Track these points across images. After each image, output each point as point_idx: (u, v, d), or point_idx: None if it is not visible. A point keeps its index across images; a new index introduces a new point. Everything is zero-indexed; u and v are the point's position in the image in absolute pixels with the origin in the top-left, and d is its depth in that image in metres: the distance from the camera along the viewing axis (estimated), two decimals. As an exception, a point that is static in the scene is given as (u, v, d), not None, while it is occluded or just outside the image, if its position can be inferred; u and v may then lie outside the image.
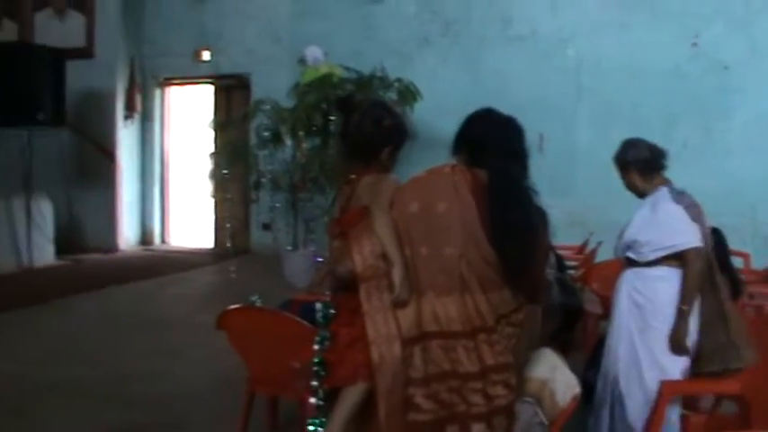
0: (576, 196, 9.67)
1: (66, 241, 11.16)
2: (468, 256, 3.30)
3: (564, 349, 3.63)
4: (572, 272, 6.51)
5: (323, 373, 3.44)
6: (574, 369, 3.73)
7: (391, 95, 9.48)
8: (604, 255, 6.64)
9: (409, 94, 9.49)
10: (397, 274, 3.29)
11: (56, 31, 11.94)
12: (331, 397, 3.40)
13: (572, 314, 3.70)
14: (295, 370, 3.78)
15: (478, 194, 3.35)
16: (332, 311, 3.50)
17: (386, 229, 3.32)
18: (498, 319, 3.34)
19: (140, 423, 5.15)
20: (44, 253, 10.65)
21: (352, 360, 3.32)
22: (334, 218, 3.64)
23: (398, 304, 3.30)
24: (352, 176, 3.55)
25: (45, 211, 10.73)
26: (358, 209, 3.44)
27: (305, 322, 3.95)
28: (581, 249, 7.92)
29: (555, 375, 3.52)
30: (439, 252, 3.32)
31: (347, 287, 3.39)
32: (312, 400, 3.45)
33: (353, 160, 3.58)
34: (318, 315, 3.53)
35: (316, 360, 3.45)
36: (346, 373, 3.34)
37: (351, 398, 3.32)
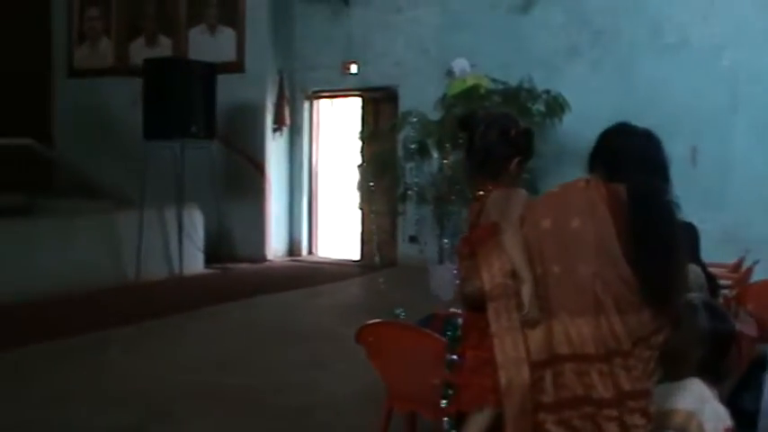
0: (730, 211, 9.24)
1: (216, 251, 11.50)
2: (603, 276, 3.17)
3: (715, 380, 3.43)
4: (726, 291, 6.21)
5: (450, 395, 3.38)
6: (725, 398, 3.54)
7: (539, 107, 9.36)
8: (761, 273, 6.32)
9: (557, 105, 9.34)
10: (526, 292, 3.20)
11: (208, 46, 12.39)
12: (460, 421, 3.34)
13: (723, 341, 3.49)
14: (434, 387, 3.75)
15: (616, 210, 3.22)
16: (458, 333, 3.44)
17: (516, 246, 3.23)
18: (636, 342, 3.18)
19: (282, 433, 5.24)
20: (194, 262, 11.05)
21: (478, 384, 3.25)
22: (463, 236, 3.56)
23: (528, 323, 3.20)
24: (481, 192, 3.47)
25: (196, 220, 11.13)
26: (487, 225, 3.35)
27: (443, 339, 3.90)
28: (736, 267, 7.54)
29: (704, 407, 3.33)
30: (572, 270, 3.21)
31: (476, 307, 3.31)
32: (445, 419, 3.40)
33: (481, 175, 3.49)
34: (448, 335, 3.49)
35: (444, 382, 3.41)
36: (472, 397, 3.27)
37: (477, 424, 3.25)
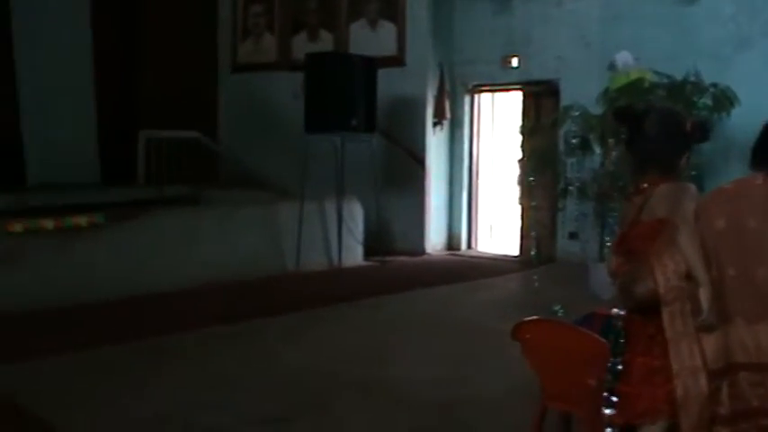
0: None
1: (375, 243, 11.63)
2: (784, 280, 2.96)
3: None
4: None
5: (616, 405, 3.23)
6: None
7: (705, 101, 9.01)
8: None
9: (725, 99, 8.95)
10: (704, 296, 3.01)
11: (369, 40, 12.53)
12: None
13: None
14: (591, 388, 3.66)
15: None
16: (621, 338, 3.30)
17: (692, 246, 3.03)
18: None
19: (431, 427, 5.25)
20: (353, 254, 11.22)
21: (650, 394, 3.11)
22: (621, 231, 3.42)
23: (705, 329, 3.03)
24: (645, 185, 3.27)
25: (355, 213, 11.30)
26: (652, 222, 3.15)
27: (602, 339, 3.81)
28: None
29: None
30: (750, 274, 3.02)
31: (643, 309, 3.14)
32: (608, 430, 3.28)
33: (648, 168, 3.28)
34: (609, 339, 3.35)
35: (607, 389, 3.28)
36: (644, 408, 3.12)
37: (650, 438, 3.12)
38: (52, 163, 12.47)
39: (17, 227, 8.59)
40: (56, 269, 8.60)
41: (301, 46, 13.25)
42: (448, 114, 12.42)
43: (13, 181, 11.76)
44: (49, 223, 8.79)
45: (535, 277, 9.83)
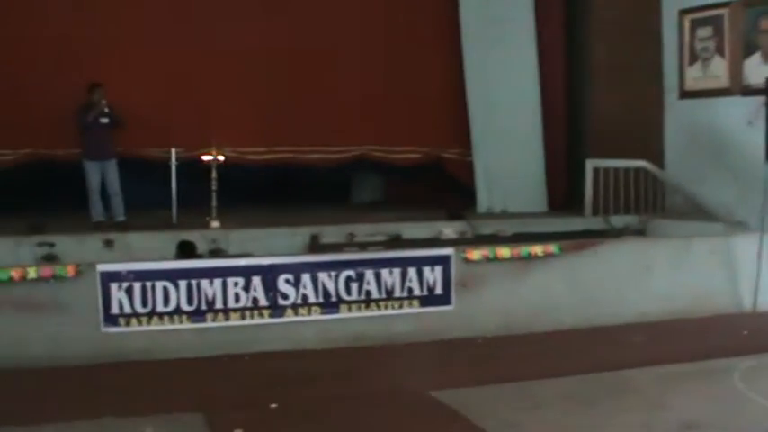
0: None
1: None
2: None
3: None
4: None
5: None
6: None
7: None
8: None
9: None
10: None
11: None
12: None
13: None
14: None
15: None
16: None
17: None
18: None
19: None
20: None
21: None
22: None
23: None
24: None
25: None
26: None
27: None
28: None
29: None
30: None
31: None
32: None
33: None
34: None
35: None
36: None
37: None
38: (500, 191, 13.12)
39: (476, 254, 9.14)
40: (512, 297, 9.10)
41: (755, 69, 12.70)
42: None
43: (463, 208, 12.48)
44: (506, 252, 9.26)
45: None
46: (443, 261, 8.97)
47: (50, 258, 9.38)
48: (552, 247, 9.37)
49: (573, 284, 9.35)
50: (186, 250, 9.42)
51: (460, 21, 13.04)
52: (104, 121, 10.77)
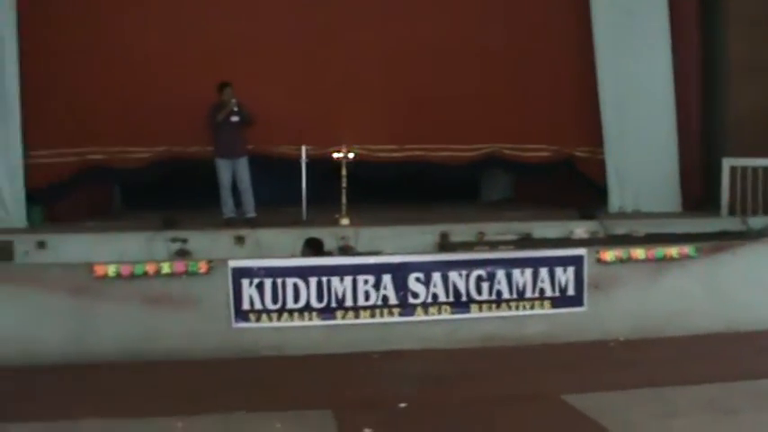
0: None
1: None
2: None
3: None
4: None
5: None
6: None
7: None
8: None
9: None
10: None
11: None
12: None
13: None
14: None
15: None
16: None
17: None
18: None
19: None
20: None
21: None
22: None
23: None
24: None
25: None
26: None
27: None
28: None
29: None
30: None
31: None
32: None
33: None
34: None
35: None
36: None
37: None
38: (633, 190, 12.77)
39: (609, 255, 8.91)
40: (646, 300, 8.85)
41: None
42: None
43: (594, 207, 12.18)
44: (640, 253, 8.99)
45: None
46: (576, 261, 8.79)
47: (183, 254, 9.66)
48: (688, 249, 9.06)
49: (710, 288, 9.02)
50: (313, 247, 9.47)
51: (592, 17, 12.74)
52: (235, 119, 10.95)
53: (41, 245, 9.85)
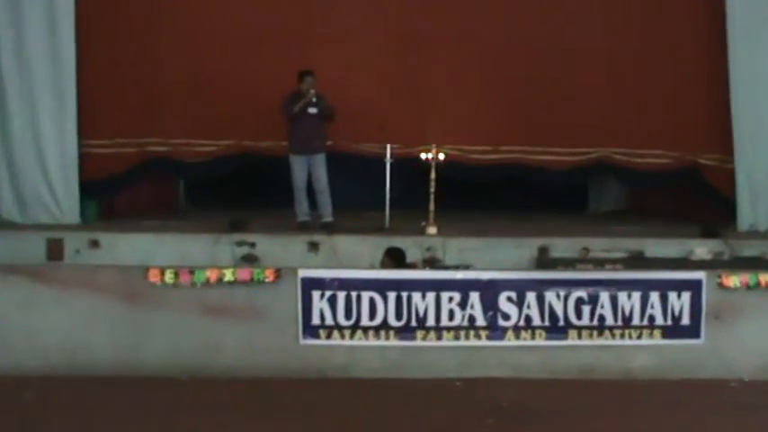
0: None
1: None
2: None
3: None
4: None
5: None
6: None
7: None
8: None
9: None
10: None
11: None
12: None
13: None
14: None
15: None
16: None
17: None
18: None
19: None
20: None
21: None
22: None
23: None
24: None
25: None
26: None
27: None
28: None
29: None
30: None
31: None
32: None
33: None
34: None
35: None
36: None
37: None
38: (767, 206, 12.47)
39: (733, 280, 8.72)
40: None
41: None
42: None
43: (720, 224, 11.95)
44: (765, 277, 8.79)
45: None
46: (693, 286, 8.63)
47: (250, 259, 9.75)
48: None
49: None
50: (395, 258, 9.45)
51: (726, 8, 12.45)
52: (313, 111, 10.87)
53: (94, 244, 10.06)
